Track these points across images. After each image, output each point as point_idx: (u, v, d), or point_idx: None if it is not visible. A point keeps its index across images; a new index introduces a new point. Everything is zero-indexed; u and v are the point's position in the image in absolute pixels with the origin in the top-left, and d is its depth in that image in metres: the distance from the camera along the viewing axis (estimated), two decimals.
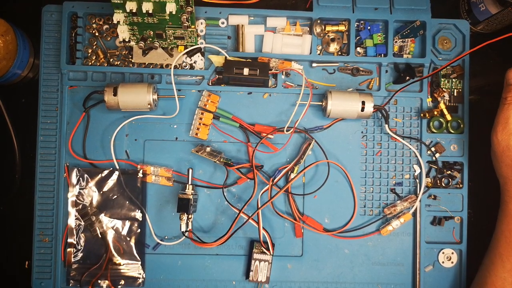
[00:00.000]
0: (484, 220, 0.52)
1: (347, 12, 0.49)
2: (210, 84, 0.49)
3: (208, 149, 0.47)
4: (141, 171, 0.47)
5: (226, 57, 0.47)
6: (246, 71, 0.46)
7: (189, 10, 0.43)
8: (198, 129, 0.48)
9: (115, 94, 0.45)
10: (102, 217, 0.47)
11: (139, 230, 0.47)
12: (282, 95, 0.49)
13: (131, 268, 0.47)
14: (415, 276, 0.48)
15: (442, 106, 0.49)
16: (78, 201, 0.47)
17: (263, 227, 0.47)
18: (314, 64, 0.49)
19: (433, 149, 0.49)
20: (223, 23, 0.49)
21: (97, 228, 0.47)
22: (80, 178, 0.47)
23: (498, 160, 0.42)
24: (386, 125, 0.48)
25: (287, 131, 0.47)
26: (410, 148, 0.49)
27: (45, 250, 0.47)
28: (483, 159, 0.52)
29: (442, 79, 0.50)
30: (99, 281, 0.47)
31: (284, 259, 0.49)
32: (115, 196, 0.47)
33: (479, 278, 0.46)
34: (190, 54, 0.49)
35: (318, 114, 0.49)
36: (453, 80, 0.50)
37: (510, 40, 0.41)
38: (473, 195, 0.50)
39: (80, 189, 0.47)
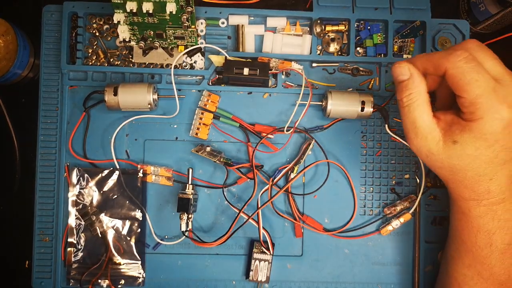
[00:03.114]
0: None
1: (347, 12, 0.49)
2: (210, 84, 0.49)
3: (208, 149, 0.47)
4: (141, 171, 0.47)
5: (226, 57, 0.47)
6: (246, 71, 0.46)
7: (189, 10, 0.43)
8: (198, 129, 0.48)
9: (115, 94, 0.45)
10: (102, 216, 0.47)
11: (139, 230, 0.47)
12: (282, 95, 0.49)
13: (131, 267, 0.47)
14: (415, 276, 0.48)
15: None
16: (78, 200, 0.47)
17: (263, 227, 0.47)
18: (314, 64, 0.49)
19: None
20: (223, 23, 0.49)
21: (97, 228, 0.47)
22: (80, 178, 0.47)
23: (428, 165, 0.38)
24: (386, 125, 0.48)
25: (287, 131, 0.47)
26: (410, 148, 0.49)
27: (45, 250, 0.47)
28: None
29: None
30: (99, 281, 0.47)
31: (284, 259, 0.49)
32: (115, 196, 0.47)
33: (441, 276, 0.45)
34: (190, 54, 0.49)
35: (318, 114, 0.49)
36: None
37: (510, 40, 0.41)
38: None
39: (80, 188, 0.47)
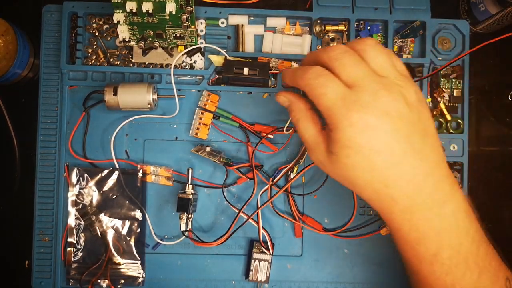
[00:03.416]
0: (484, 220, 0.52)
1: (347, 12, 0.49)
2: (210, 84, 0.49)
3: (208, 149, 0.47)
4: (141, 171, 0.47)
5: (226, 57, 0.47)
6: (246, 71, 0.46)
7: (189, 10, 0.43)
8: (198, 128, 0.48)
9: (115, 94, 0.45)
10: (102, 216, 0.47)
11: (139, 230, 0.47)
12: None
13: (131, 267, 0.47)
14: None
15: (442, 106, 0.49)
16: (78, 200, 0.47)
17: (262, 227, 0.47)
18: None
19: None
20: (223, 23, 0.49)
21: (97, 228, 0.47)
22: (80, 178, 0.47)
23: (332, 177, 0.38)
24: None
25: (287, 131, 0.47)
26: None
27: (45, 250, 0.47)
28: (483, 159, 0.52)
29: (442, 79, 0.50)
30: (99, 281, 0.47)
31: (284, 259, 0.49)
32: (115, 196, 0.47)
33: None
34: (190, 54, 0.49)
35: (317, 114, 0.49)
36: (453, 80, 0.50)
37: (510, 40, 0.41)
38: (472, 195, 0.50)
39: (80, 188, 0.47)
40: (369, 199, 0.35)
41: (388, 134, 0.32)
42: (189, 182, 0.46)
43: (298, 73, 0.36)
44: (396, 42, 0.50)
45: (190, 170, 0.46)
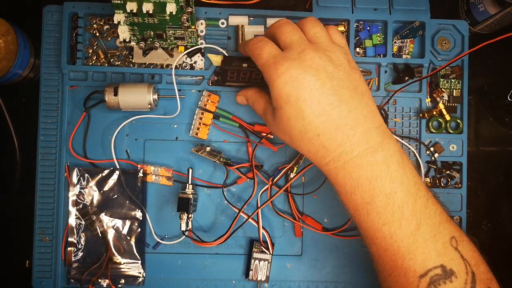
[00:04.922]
0: (483, 220, 0.52)
1: (347, 12, 0.49)
2: (210, 84, 0.49)
3: (208, 148, 0.48)
4: (141, 171, 0.47)
5: (224, 54, 0.47)
6: (245, 64, 0.45)
7: (189, 10, 0.43)
8: (198, 129, 0.48)
9: (115, 94, 0.45)
10: (103, 216, 0.47)
11: (139, 230, 0.47)
12: None
13: (131, 267, 0.47)
14: None
15: (441, 106, 0.49)
16: (78, 200, 0.47)
17: (262, 227, 0.47)
18: None
19: (432, 149, 0.49)
20: (223, 23, 0.49)
21: (97, 227, 0.47)
22: (81, 178, 0.47)
23: (284, 140, 0.41)
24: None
25: None
26: (409, 148, 0.49)
27: (45, 249, 0.47)
28: (482, 159, 0.52)
29: (441, 80, 0.50)
30: (100, 280, 0.47)
31: (284, 258, 0.49)
32: (116, 196, 0.47)
33: None
34: (190, 54, 0.49)
35: None
36: (452, 80, 0.50)
37: (510, 40, 0.41)
38: (472, 195, 0.50)
39: (80, 188, 0.47)
40: (307, 151, 0.38)
41: (312, 85, 0.35)
42: (189, 182, 0.46)
43: (246, 43, 0.41)
44: (395, 42, 0.50)
45: (190, 170, 0.46)
